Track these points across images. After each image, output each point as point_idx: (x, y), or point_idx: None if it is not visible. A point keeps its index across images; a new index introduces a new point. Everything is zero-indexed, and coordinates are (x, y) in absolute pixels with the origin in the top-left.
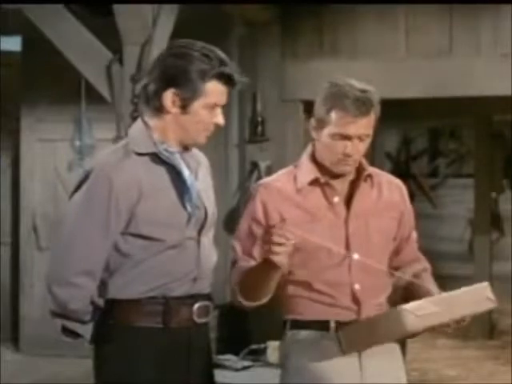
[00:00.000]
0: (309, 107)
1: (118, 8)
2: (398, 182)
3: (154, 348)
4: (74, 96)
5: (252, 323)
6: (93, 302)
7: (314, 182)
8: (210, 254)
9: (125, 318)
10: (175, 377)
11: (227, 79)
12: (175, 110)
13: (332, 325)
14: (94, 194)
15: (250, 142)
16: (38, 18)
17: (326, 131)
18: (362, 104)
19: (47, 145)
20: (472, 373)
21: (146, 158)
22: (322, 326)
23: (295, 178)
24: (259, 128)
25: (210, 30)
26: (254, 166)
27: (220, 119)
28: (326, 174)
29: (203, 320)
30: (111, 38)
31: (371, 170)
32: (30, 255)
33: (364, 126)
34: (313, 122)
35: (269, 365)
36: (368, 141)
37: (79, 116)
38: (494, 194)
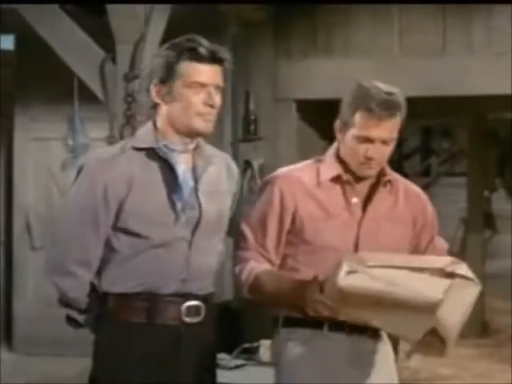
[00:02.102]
0: (302, 106)
1: (111, 7)
2: (417, 191)
3: (138, 343)
4: (67, 95)
5: (245, 322)
6: (90, 294)
7: (336, 179)
8: (207, 258)
9: (113, 313)
10: (162, 374)
11: (201, 56)
12: (161, 99)
13: (326, 324)
14: (83, 188)
15: (243, 141)
16: (31, 17)
17: (350, 133)
18: (388, 106)
19: (41, 144)
20: (465, 371)
21: (143, 154)
22: (316, 324)
23: (318, 172)
24: (252, 127)
25: (204, 29)
26: (248, 164)
27: (210, 98)
28: (349, 173)
29: (194, 320)
30: (105, 38)
31: (392, 175)
32: (24, 254)
33: (389, 129)
34: (338, 123)
35: (261, 364)
36: (393, 145)
37: (72, 115)
38: (486, 193)
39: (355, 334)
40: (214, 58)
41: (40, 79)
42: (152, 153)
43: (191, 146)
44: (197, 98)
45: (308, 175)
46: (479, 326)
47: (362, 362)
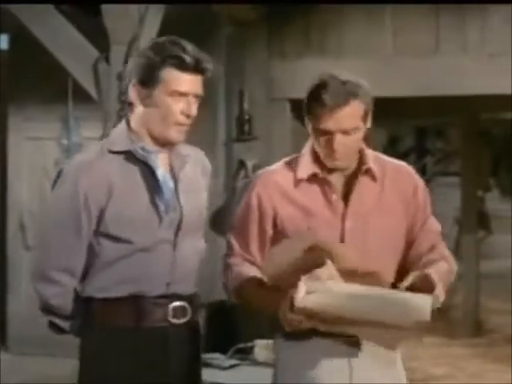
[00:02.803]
0: (296, 106)
1: (105, 7)
2: (406, 171)
3: (127, 347)
4: (61, 95)
5: (239, 322)
6: (75, 300)
7: (313, 178)
8: (191, 258)
9: (99, 317)
10: (151, 376)
11: (184, 65)
12: (140, 102)
13: None
14: (64, 194)
15: (237, 141)
16: (25, 17)
17: (310, 126)
18: (339, 96)
19: (35, 143)
20: (459, 371)
21: (121, 157)
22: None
23: (294, 172)
24: (246, 127)
25: (198, 29)
26: (241, 164)
27: (188, 108)
28: (327, 170)
29: (180, 321)
30: (99, 37)
31: (374, 162)
32: (18, 254)
33: (344, 119)
34: (306, 119)
35: (256, 363)
36: (358, 134)
37: (67, 115)
38: (480, 193)
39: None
40: (197, 68)
41: (34, 79)
42: (130, 156)
43: (164, 147)
44: (176, 107)
45: (285, 176)
46: (473, 326)
47: (364, 365)
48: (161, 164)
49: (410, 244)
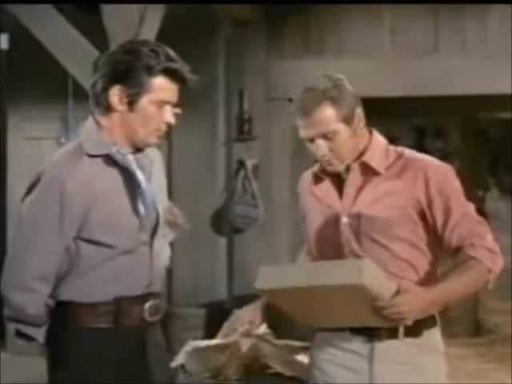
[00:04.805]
0: None
1: (105, 7)
2: (419, 163)
3: (106, 348)
4: (60, 94)
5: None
6: (47, 305)
7: (322, 173)
8: (161, 257)
9: (77, 320)
10: (132, 377)
11: (175, 75)
12: (122, 107)
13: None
14: (46, 197)
15: (236, 141)
16: (24, 16)
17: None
18: (304, 104)
19: (34, 143)
20: (457, 370)
21: (99, 160)
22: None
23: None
24: (246, 126)
25: (197, 28)
26: (241, 164)
27: (170, 117)
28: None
29: (155, 318)
30: (98, 36)
31: (378, 156)
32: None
33: (315, 125)
34: None
35: None
36: (342, 136)
37: (66, 114)
38: (480, 193)
39: (378, 337)
40: (182, 79)
41: (33, 78)
42: (108, 159)
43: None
44: (159, 115)
45: (311, 172)
46: (472, 326)
47: (381, 370)
48: (137, 167)
49: (437, 240)
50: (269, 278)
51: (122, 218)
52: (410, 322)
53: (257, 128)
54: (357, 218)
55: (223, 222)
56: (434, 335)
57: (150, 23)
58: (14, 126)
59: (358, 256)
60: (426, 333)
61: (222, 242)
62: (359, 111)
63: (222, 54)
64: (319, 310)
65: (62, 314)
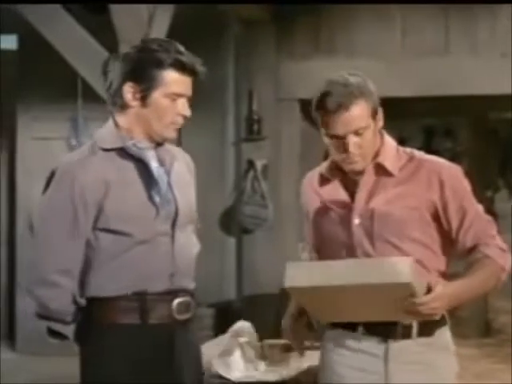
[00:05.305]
0: (305, 106)
1: (114, 7)
2: (433, 166)
3: (133, 346)
4: (70, 94)
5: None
6: (75, 302)
7: (330, 174)
8: (188, 250)
9: (102, 317)
10: (157, 375)
11: (185, 68)
12: (136, 103)
13: (360, 325)
14: (59, 193)
15: (246, 141)
16: (33, 17)
17: (323, 133)
18: (343, 99)
19: (43, 143)
20: (467, 371)
21: (114, 154)
22: (350, 326)
23: (319, 172)
24: (255, 127)
25: (206, 29)
26: (250, 164)
27: (184, 110)
28: (341, 169)
29: (184, 316)
30: (106, 36)
31: (392, 157)
32: (26, 254)
33: (351, 120)
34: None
35: None
36: (369, 133)
37: (75, 114)
38: (489, 193)
39: (392, 337)
40: (194, 71)
41: (42, 79)
42: (123, 152)
43: (154, 144)
44: (173, 108)
45: (316, 174)
46: (482, 326)
47: (396, 371)
48: (153, 159)
49: (450, 241)
50: (298, 276)
51: (137, 207)
52: (438, 317)
53: (266, 128)
54: (370, 219)
55: (232, 222)
56: (445, 334)
57: (159, 23)
58: (23, 126)
59: (370, 257)
60: (437, 332)
61: (231, 242)
62: (380, 109)
63: (231, 54)
64: (347, 306)
65: (87, 310)
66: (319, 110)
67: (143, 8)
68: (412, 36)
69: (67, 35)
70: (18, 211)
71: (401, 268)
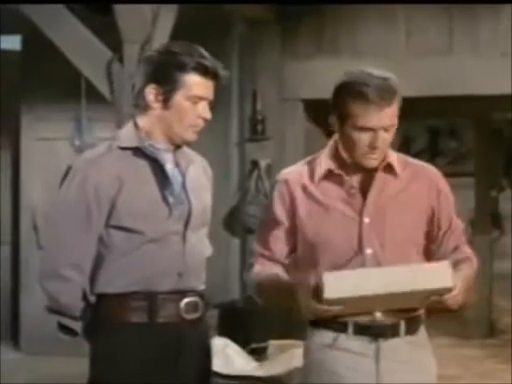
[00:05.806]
0: (309, 106)
1: (118, 7)
2: (429, 172)
3: (140, 344)
4: (74, 95)
5: (252, 322)
6: (85, 299)
7: (330, 174)
8: (199, 251)
9: (111, 314)
10: (163, 374)
11: (207, 72)
12: (158, 104)
13: (350, 326)
14: (73, 189)
15: (250, 141)
16: (37, 17)
17: (349, 124)
18: (384, 92)
19: (47, 144)
20: (471, 371)
21: (130, 153)
22: (341, 326)
23: (313, 170)
24: (259, 127)
25: (210, 29)
26: (255, 164)
27: (206, 113)
28: (347, 167)
29: (193, 316)
30: (111, 37)
31: (397, 159)
32: (31, 254)
33: (389, 115)
34: (333, 118)
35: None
36: (393, 130)
37: (79, 115)
38: (494, 193)
39: (383, 336)
40: (215, 75)
41: (46, 79)
42: (139, 152)
43: (173, 146)
44: (194, 111)
45: (304, 175)
46: (486, 326)
47: (387, 369)
48: (168, 161)
49: (435, 243)
50: (338, 286)
51: (150, 206)
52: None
53: (270, 128)
54: (381, 218)
55: (236, 222)
56: (424, 331)
57: (163, 23)
58: (27, 126)
59: (378, 258)
60: (420, 330)
61: (235, 242)
62: None
63: (235, 54)
64: (374, 305)
65: (96, 307)
66: (353, 98)
67: (147, 8)
68: (416, 36)
69: (71, 35)
70: (21, 211)
71: (443, 273)
